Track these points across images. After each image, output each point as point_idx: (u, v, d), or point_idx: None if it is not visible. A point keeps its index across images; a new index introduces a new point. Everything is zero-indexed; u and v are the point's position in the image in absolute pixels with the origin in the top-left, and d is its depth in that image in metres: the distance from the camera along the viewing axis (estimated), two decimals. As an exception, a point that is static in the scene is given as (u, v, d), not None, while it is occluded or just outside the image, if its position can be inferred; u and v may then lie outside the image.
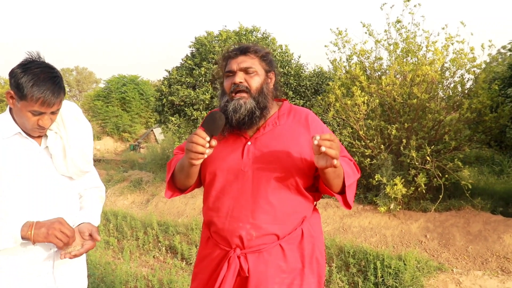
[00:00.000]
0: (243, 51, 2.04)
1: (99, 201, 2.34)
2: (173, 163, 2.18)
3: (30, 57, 1.93)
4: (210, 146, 1.77)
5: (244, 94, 1.98)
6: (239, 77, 1.99)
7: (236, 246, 1.98)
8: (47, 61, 2.00)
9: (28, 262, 2.00)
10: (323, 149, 1.62)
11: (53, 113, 1.93)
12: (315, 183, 2.08)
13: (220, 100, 2.08)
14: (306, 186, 2.03)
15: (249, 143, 2.03)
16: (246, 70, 2.00)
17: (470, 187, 6.28)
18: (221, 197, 2.03)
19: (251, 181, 1.98)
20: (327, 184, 1.93)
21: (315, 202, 2.15)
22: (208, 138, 1.76)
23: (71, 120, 2.11)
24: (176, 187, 2.19)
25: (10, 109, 2.01)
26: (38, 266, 2.02)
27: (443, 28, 7.17)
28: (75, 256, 1.95)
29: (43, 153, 2.05)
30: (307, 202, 2.06)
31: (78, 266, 2.23)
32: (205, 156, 1.77)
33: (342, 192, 1.99)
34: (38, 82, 1.83)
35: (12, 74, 1.88)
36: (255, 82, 2.01)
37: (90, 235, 2.04)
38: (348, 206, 2.02)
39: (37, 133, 1.98)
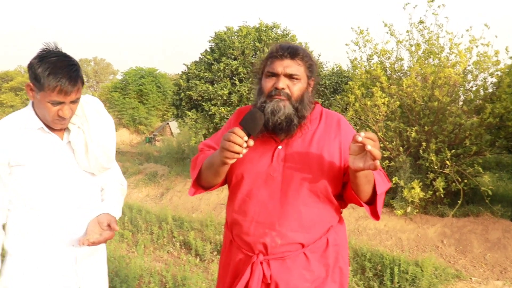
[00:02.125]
0: (292, 55, 1.91)
1: (120, 194, 2.33)
2: (199, 160, 2.11)
3: (47, 47, 1.91)
4: (247, 146, 1.70)
5: (284, 98, 1.88)
6: (283, 83, 1.88)
7: (259, 252, 1.93)
8: (65, 51, 1.97)
9: (51, 256, 2.00)
10: (368, 147, 1.54)
11: (72, 102, 1.91)
12: (342, 191, 2.02)
13: (256, 98, 1.98)
14: (335, 193, 1.97)
15: (279, 147, 1.97)
16: (291, 76, 1.89)
17: (490, 193, 6.17)
18: (247, 201, 1.97)
19: (280, 187, 1.92)
20: (357, 190, 1.85)
21: (341, 210, 2.10)
22: (246, 138, 1.68)
23: (93, 114, 2.09)
24: (200, 184, 2.13)
25: (33, 104, 2.00)
26: (61, 262, 2.03)
27: (467, 30, 7.07)
28: (93, 243, 1.94)
29: (65, 148, 2.04)
30: (334, 210, 2.00)
31: (99, 262, 2.24)
32: (241, 156, 1.71)
33: (370, 201, 1.92)
34: (54, 70, 1.81)
35: (29, 66, 1.87)
36: (297, 89, 1.90)
37: (109, 225, 2.04)
38: (376, 216, 1.93)
39: (59, 125, 1.96)
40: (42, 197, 1.96)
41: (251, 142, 1.70)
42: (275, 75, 1.91)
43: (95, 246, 2.03)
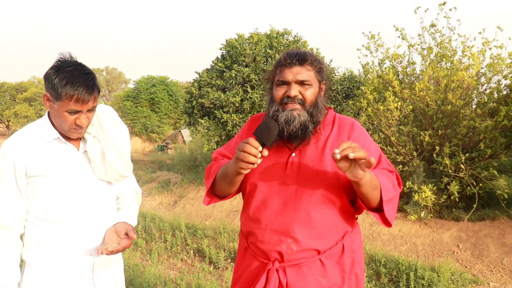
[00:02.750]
0: (301, 61, 1.89)
1: (135, 202, 2.34)
2: (213, 169, 2.12)
3: (62, 57, 1.93)
4: (261, 156, 1.70)
5: (298, 106, 1.88)
6: (295, 91, 1.87)
7: (274, 259, 1.93)
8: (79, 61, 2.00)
9: (68, 266, 2.01)
10: (351, 155, 1.53)
11: (89, 111, 1.93)
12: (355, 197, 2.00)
13: (268, 107, 1.98)
14: (349, 199, 1.95)
15: (293, 154, 1.96)
16: (302, 83, 1.88)
17: (506, 196, 6.09)
18: (262, 208, 1.97)
19: (294, 195, 1.91)
20: (364, 199, 1.82)
21: (356, 216, 2.08)
22: (260, 148, 1.69)
23: (109, 123, 2.11)
24: (215, 193, 2.14)
25: (49, 114, 2.02)
26: (78, 271, 2.03)
27: (480, 33, 7.00)
28: (112, 252, 1.94)
29: (82, 158, 2.06)
30: (349, 216, 1.99)
31: (116, 272, 2.24)
32: (255, 166, 1.72)
33: (380, 208, 1.87)
34: (71, 79, 1.83)
35: (46, 76, 1.89)
36: (310, 94, 1.89)
37: (126, 233, 2.04)
38: (387, 223, 1.89)
39: (75, 134, 1.98)
40: (59, 207, 1.97)
41: (266, 152, 1.71)
42: (286, 83, 1.90)
43: (113, 255, 2.03)
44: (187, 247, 6.60)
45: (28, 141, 1.96)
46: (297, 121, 1.86)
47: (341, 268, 1.95)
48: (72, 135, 1.98)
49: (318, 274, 1.91)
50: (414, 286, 4.49)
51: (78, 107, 1.86)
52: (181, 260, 6.14)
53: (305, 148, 1.95)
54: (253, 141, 1.69)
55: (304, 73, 1.89)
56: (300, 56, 1.90)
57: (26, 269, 2.01)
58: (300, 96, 1.88)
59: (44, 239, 1.98)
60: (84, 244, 2.02)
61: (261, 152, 1.69)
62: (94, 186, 2.08)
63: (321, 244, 1.91)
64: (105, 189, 2.14)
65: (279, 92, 1.92)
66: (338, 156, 1.55)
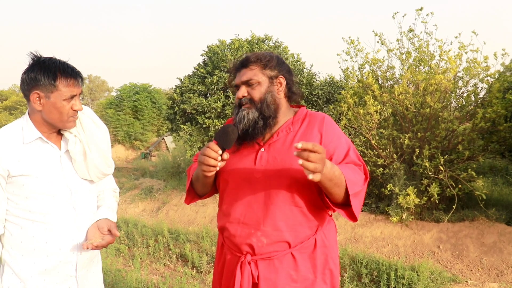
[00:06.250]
0: (244, 64, 2.05)
1: (114, 200, 2.39)
2: (191, 171, 2.23)
3: (34, 56, 1.99)
4: (222, 159, 1.81)
5: (248, 105, 2.01)
6: (242, 92, 2.01)
7: (246, 252, 1.97)
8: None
9: (53, 265, 2.02)
10: (299, 162, 1.54)
11: (80, 94, 2.04)
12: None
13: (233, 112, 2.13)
14: (319, 193, 1.98)
15: (262, 149, 2.02)
16: (247, 83, 2.01)
17: (484, 197, 6.20)
18: (233, 203, 2.03)
19: (263, 188, 1.96)
20: (327, 193, 1.84)
21: (330, 212, 2.10)
22: (220, 151, 1.79)
23: (89, 122, 2.14)
24: (196, 193, 2.24)
25: (29, 114, 2.02)
26: (62, 269, 2.04)
27: (456, 37, 7.15)
28: (96, 247, 1.98)
29: (64, 157, 2.08)
30: (320, 210, 2.01)
31: (96, 270, 2.27)
32: (217, 168, 1.81)
33: (347, 203, 1.87)
34: (61, 68, 1.95)
35: (30, 76, 1.93)
36: (257, 92, 2.00)
37: (109, 230, 2.08)
38: (353, 218, 1.90)
39: (72, 123, 2.03)
40: (43, 206, 1.98)
41: (226, 156, 1.81)
42: (237, 86, 2.06)
43: (97, 250, 2.09)
44: (170, 252, 6.58)
45: (9, 141, 1.95)
46: (246, 119, 1.98)
47: (313, 263, 1.98)
48: (69, 124, 2.03)
49: (289, 268, 1.94)
50: (395, 286, 4.54)
51: (75, 91, 1.97)
52: (164, 265, 6.12)
53: (273, 143, 2.02)
54: (213, 145, 1.80)
55: (248, 73, 2.03)
56: (243, 60, 2.07)
57: (6, 269, 2.00)
58: (248, 96, 2.01)
59: (26, 238, 1.97)
60: (68, 242, 2.03)
61: (221, 155, 1.80)
62: (77, 185, 2.10)
63: (292, 237, 1.94)
64: (87, 188, 2.16)
65: (236, 96, 2.07)
66: (299, 145, 1.53)
